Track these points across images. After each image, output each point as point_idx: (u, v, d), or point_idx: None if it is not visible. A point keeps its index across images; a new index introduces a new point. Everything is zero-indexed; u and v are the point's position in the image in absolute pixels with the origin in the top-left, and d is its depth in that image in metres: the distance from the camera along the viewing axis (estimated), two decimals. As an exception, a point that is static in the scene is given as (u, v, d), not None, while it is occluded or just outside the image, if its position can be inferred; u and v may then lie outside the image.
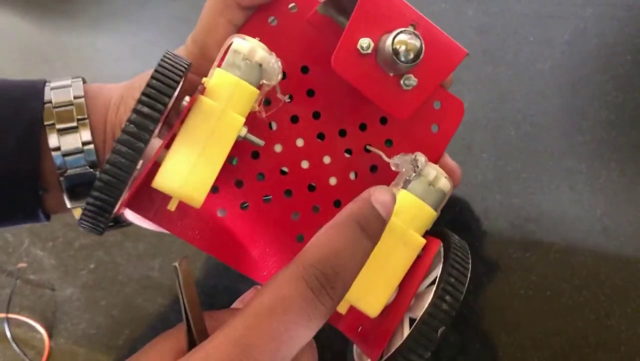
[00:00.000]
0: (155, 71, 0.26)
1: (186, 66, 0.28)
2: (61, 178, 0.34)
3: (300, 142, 0.34)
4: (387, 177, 0.33)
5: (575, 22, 0.45)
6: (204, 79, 0.29)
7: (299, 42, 0.33)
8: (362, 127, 0.34)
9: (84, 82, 0.36)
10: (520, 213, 0.41)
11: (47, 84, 0.35)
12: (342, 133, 0.34)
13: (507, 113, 0.44)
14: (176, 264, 0.23)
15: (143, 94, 0.25)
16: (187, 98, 0.28)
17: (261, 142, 0.30)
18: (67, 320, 0.48)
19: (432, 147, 0.34)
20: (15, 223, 0.36)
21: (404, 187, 0.30)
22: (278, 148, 0.33)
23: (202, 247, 0.33)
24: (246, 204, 0.34)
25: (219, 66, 0.29)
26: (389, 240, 0.29)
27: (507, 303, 0.39)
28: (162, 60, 0.27)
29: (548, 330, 0.37)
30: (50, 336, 0.48)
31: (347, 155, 0.34)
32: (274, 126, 0.33)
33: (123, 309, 0.47)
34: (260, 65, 0.29)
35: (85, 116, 0.34)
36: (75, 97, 0.34)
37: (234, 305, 0.31)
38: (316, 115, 0.33)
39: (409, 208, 0.30)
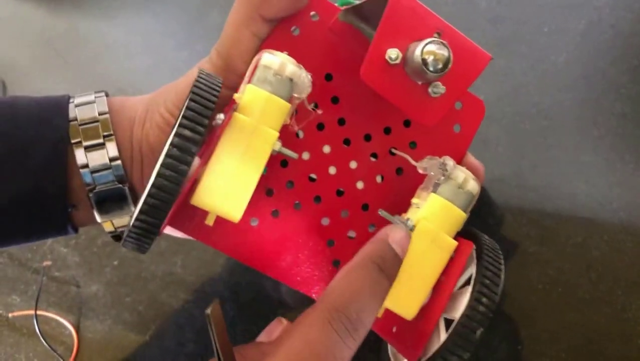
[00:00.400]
0: (192, 92, 0.27)
1: (220, 85, 0.28)
2: (90, 194, 0.34)
3: (327, 149, 0.34)
4: (413, 179, 0.34)
5: (590, 12, 0.45)
6: (235, 95, 0.30)
7: (321, 50, 0.33)
8: (387, 130, 0.35)
9: (107, 95, 0.36)
10: (536, 207, 0.41)
11: (70, 100, 0.35)
12: (367, 138, 0.35)
13: (521, 107, 0.44)
14: (208, 311, 0.24)
15: (183, 117, 0.26)
16: (220, 116, 0.28)
17: (295, 155, 0.31)
18: (93, 316, 0.49)
19: (455, 147, 0.35)
20: (45, 238, 0.37)
21: (434, 190, 0.31)
22: (305, 156, 0.34)
23: (237, 256, 0.34)
24: (277, 212, 0.34)
25: (249, 81, 0.29)
26: (422, 243, 0.30)
27: (524, 297, 0.40)
28: (197, 81, 0.27)
29: (565, 324, 0.38)
30: (77, 332, 0.49)
31: (373, 159, 0.35)
32: (301, 134, 0.34)
33: (148, 305, 0.48)
34: (291, 79, 0.29)
35: (111, 132, 0.34)
36: (100, 114, 0.34)
37: (259, 338, 0.32)
38: (341, 121, 0.34)
39: (439, 211, 0.31)
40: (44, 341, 0.49)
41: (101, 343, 0.48)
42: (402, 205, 0.34)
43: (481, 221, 0.42)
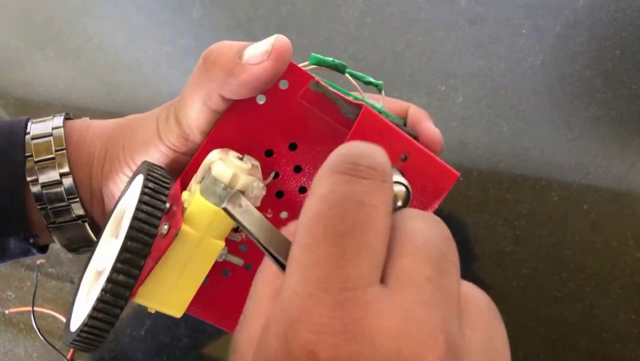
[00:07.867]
0: (131, 227, 0.25)
1: (164, 207, 0.26)
2: (50, 227, 0.34)
3: (284, 215, 0.34)
4: None
5: (567, 13, 0.46)
6: (184, 195, 0.30)
7: (287, 120, 0.32)
8: None
9: (67, 117, 0.36)
10: (513, 209, 0.44)
11: (27, 131, 0.34)
12: None
13: (500, 109, 0.46)
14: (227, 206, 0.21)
15: (118, 260, 0.25)
16: (165, 227, 0.28)
17: (240, 262, 0.32)
18: (89, 311, 0.51)
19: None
20: (9, 261, 0.37)
21: None
22: None
23: (191, 312, 0.34)
24: (227, 271, 0.35)
25: (200, 181, 0.29)
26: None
27: (500, 295, 0.42)
28: (137, 212, 0.26)
29: (539, 320, 0.41)
30: (74, 327, 0.51)
31: None
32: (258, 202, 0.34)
33: (142, 301, 0.50)
34: (243, 191, 0.29)
35: (68, 171, 0.34)
36: (56, 150, 0.34)
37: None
38: (302, 190, 0.34)
39: None
40: (41, 337, 0.51)
41: (98, 337, 0.50)
42: None
43: (460, 222, 0.44)
